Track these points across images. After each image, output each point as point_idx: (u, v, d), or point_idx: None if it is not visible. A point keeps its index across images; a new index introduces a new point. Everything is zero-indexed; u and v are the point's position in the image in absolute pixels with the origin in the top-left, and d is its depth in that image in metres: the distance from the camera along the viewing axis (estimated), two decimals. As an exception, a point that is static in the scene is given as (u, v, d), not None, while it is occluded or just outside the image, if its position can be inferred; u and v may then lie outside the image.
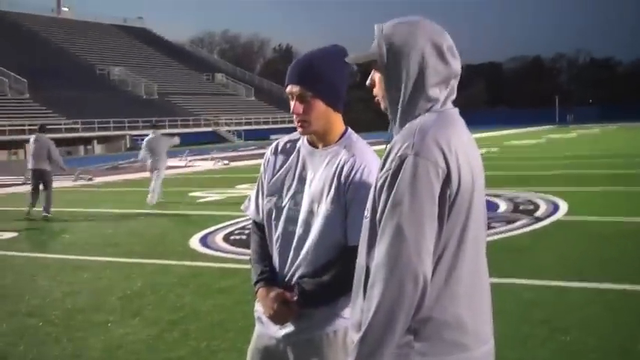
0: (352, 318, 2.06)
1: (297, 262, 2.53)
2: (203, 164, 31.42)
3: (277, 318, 2.52)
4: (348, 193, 2.45)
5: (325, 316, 2.49)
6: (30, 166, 14.81)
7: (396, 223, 1.87)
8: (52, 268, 9.02)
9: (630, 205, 12.72)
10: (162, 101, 70.70)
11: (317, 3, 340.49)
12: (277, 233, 2.60)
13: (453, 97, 2.10)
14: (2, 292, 7.77)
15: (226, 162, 31.58)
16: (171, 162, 30.59)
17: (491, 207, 12.64)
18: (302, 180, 2.58)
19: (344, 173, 2.47)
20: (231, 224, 11.94)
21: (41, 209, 14.31)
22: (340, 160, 2.50)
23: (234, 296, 7.05)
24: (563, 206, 12.45)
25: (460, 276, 1.96)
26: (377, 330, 1.88)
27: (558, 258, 8.37)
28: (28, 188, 15.62)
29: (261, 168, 2.75)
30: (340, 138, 2.58)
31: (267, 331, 2.61)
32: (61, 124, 54.57)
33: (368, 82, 2.14)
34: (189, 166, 30.48)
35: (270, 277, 2.60)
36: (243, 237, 10.35)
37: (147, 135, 17.38)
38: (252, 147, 44.99)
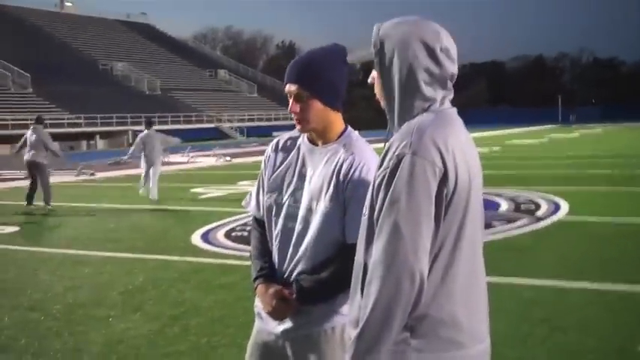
0: (350, 315, 2.09)
1: (296, 258, 2.55)
2: (205, 160, 31.46)
3: (276, 314, 2.54)
4: (346, 191, 2.47)
5: (323, 313, 2.52)
6: (27, 157, 14.91)
7: (394, 221, 1.89)
8: (54, 263, 9.04)
9: (632, 205, 12.72)
10: (165, 97, 70.74)
11: (320, 0, 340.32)
12: (277, 229, 2.62)
13: (451, 96, 2.12)
14: (4, 286, 7.80)
15: (228, 158, 31.62)
16: (174, 158, 30.75)
17: (493, 206, 12.66)
18: (302, 177, 2.60)
19: (343, 171, 2.49)
20: (232, 221, 11.96)
21: (42, 203, 14.41)
22: (339, 158, 2.52)
23: (235, 292, 7.07)
24: (564, 206, 12.46)
25: (456, 274, 1.98)
26: (374, 326, 1.90)
27: (559, 258, 8.39)
28: (27, 183, 15.67)
29: (262, 164, 2.77)
30: (340, 136, 2.60)
31: (266, 326, 2.64)
32: (63, 119, 54.68)
33: (369, 80, 2.17)
34: (191, 162, 30.53)
35: (270, 273, 2.63)
36: (245, 233, 10.36)
37: (157, 130, 17.48)
38: (255, 143, 45.00)
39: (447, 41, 2.07)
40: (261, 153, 2.80)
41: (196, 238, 10.44)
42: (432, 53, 2.03)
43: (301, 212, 2.55)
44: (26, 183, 16.07)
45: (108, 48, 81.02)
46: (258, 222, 2.76)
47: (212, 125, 67.21)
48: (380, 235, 1.92)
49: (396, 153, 1.94)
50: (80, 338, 5.78)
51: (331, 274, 2.45)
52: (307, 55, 2.64)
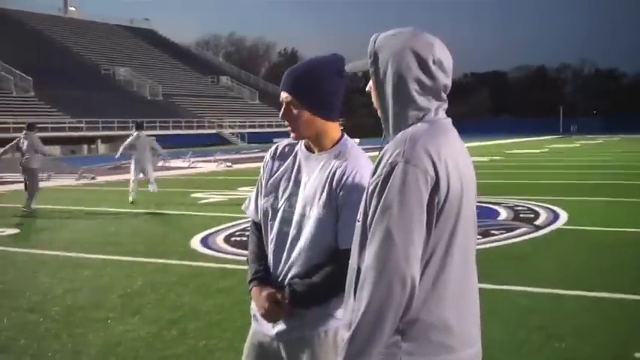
0: (344, 318, 2.12)
1: (290, 262, 2.59)
2: (206, 166, 31.50)
3: (269, 316, 2.59)
4: (339, 198, 2.50)
5: (317, 316, 2.55)
6: (21, 163, 15.23)
7: (386, 227, 1.92)
8: (53, 265, 9.07)
9: (630, 215, 12.73)
10: (166, 102, 70.84)
11: (324, 8, 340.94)
12: (272, 234, 2.66)
13: (445, 106, 2.15)
14: (4, 288, 7.83)
15: (229, 164, 31.65)
16: (174, 163, 30.78)
17: (492, 214, 12.70)
18: (297, 183, 2.64)
19: (336, 178, 2.53)
20: (232, 226, 12.00)
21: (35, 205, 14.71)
22: (333, 165, 2.56)
23: (233, 296, 7.10)
24: (563, 215, 12.49)
25: (447, 280, 2.01)
26: (365, 330, 1.93)
27: (557, 266, 8.41)
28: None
29: (261, 170, 2.81)
30: (335, 144, 2.64)
31: (262, 328, 2.68)
32: (65, 123, 54.76)
33: (367, 89, 2.21)
34: (192, 168, 30.56)
35: (264, 276, 2.67)
36: (244, 238, 10.39)
37: (147, 135, 17.55)
38: (255, 150, 45.09)
39: (440, 53, 2.09)
40: (262, 159, 2.84)
41: (196, 243, 10.47)
42: (424, 65, 2.06)
43: (295, 217, 2.59)
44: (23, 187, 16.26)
45: (110, 53, 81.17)
46: (257, 226, 2.81)
47: (213, 131, 67.28)
48: (372, 241, 1.96)
49: (389, 161, 1.97)
50: (79, 340, 5.80)
51: (323, 279, 2.49)
52: (303, 64, 2.69)
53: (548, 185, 18.85)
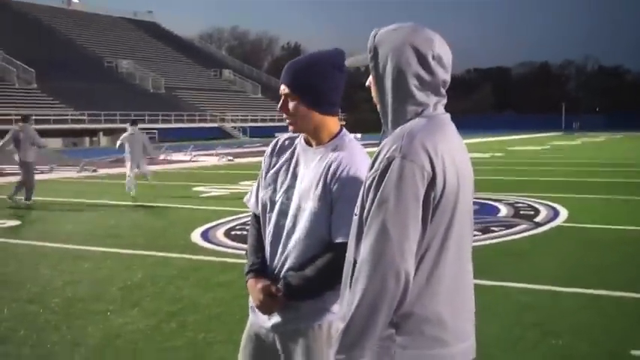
0: (340, 311, 2.14)
1: (285, 254, 2.62)
2: (207, 159, 31.51)
3: (263, 308, 2.62)
4: (333, 191, 2.53)
5: (311, 309, 2.58)
6: (18, 157, 15.29)
7: (381, 222, 1.95)
8: (54, 257, 9.11)
9: (630, 213, 12.76)
10: (169, 95, 70.80)
11: (328, 2, 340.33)
12: (270, 226, 2.69)
13: (444, 102, 2.16)
14: (4, 279, 7.87)
15: (230, 158, 31.69)
16: (176, 156, 30.80)
17: (492, 211, 12.72)
18: (295, 176, 2.67)
19: (331, 171, 2.55)
20: (232, 220, 12.03)
21: (25, 198, 14.86)
22: (329, 159, 2.58)
23: (232, 290, 7.13)
24: (564, 213, 12.51)
25: (442, 275, 2.03)
26: (359, 322, 1.96)
27: (556, 263, 8.43)
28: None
29: (262, 163, 2.84)
30: (333, 138, 2.66)
31: (258, 320, 2.71)
32: (67, 116, 54.78)
33: (367, 83, 2.23)
34: (193, 161, 30.58)
35: (261, 268, 2.70)
36: (244, 232, 10.41)
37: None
38: (257, 144, 45.05)
39: (440, 49, 2.11)
40: (263, 153, 2.88)
41: (196, 236, 10.50)
42: (423, 60, 2.08)
43: (291, 210, 2.62)
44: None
45: (113, 45, 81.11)
46: (257, 219, 2.84)
47: (215, 125, 67.26)
48: (368, 234, 1.98)
49: (387, 156, 2.00)
50: (78, 332, 5.84)
51: (317, 272, 2.51)
52: (303, 58, 2.72)
53: (549, 182, 18.85)
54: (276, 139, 2.85)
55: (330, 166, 2.56)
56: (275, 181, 2.72)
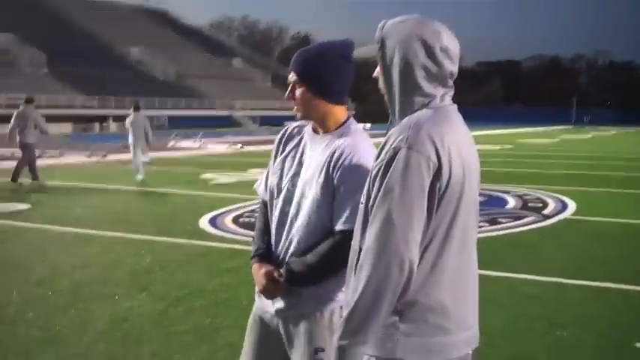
0: (346, 297, 2.16)
1: (289, 240, 2.64)
2: (217, 147, 31.57)
3: (267, 293, 2.65)
4: (336, 180, 2.54)
5: (313, 296, 2.60)
6: (19, 138, 15.33)
7: (387, 211, 1.96)
8: (63, 241, 9.17)
9: (638, 207, 12.73)
10: (178, 83, 70.92)
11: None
12: (276, 213, 2.71)
13: (451, 93, 2.17)
14: (14, 262, 7.92)
15: (240, 146, 31.73)
16: (185, 144, 30.86)
17: (500, 203, 12.72)
18: (301, 164, 2.69)
19: (334, 160, 2.56)
20: (241, 207, 12.06)
21: (32, 178, 15.05)
22: (333, 148, 2.60)
23: (239, 276, 7.15)
24: (572, 205, 12.49)
25: (446, 265, 2.05)
26: (363, 308, 1.98)
27: (563, 256, 8.43)
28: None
29: (272, 150, 2.87)
30: (339, 127, 2.67)
31: (262, 304, 2.74)
32: (77, 101, 54.91)
33: (374, 74, 2.24)
34: (202, 149, 30.65)
35: (265, 253, 2.73)
36: (252, 220, 10.45)
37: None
38: (266, 132, 45.07)
39: (447, 41, 2.11)
40: (272, 142, 2.90)
41: (204, 223, 10.53)
42: (430, 52, 2.09)
43: (296, 197, 2.64)
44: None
45: (124, 33, 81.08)
46: (265, 205, 2.86)
47: (225, 113, 67.31)
48: (373, 223, 2.00)
49: (393, 146, 2.01)
50: (86, 315, 5.88)
51: (318, 258, 2.53)
52: (312, 47, 2.75)
53: (558, 175, 18.81)
54: (286, 127, 2.88)
55: (333, 155, 2.57)
56: (282, 168, 2.74)
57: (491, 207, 12.06)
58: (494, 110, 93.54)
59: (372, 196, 2.03)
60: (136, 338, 5.33)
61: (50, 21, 71.85)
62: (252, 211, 11.36)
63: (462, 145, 2.07)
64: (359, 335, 1.99)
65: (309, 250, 2.56)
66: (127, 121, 17.18)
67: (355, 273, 2.05)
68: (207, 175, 18.08)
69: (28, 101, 15.89)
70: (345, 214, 2.47)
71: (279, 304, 2.65)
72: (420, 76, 2.09)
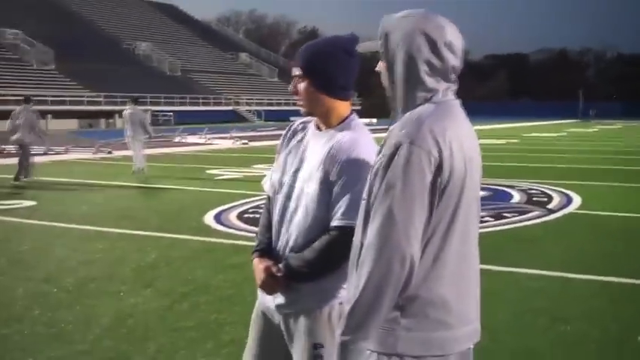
0: (348, 293, 2.17)
1: (288, 236, 2.65)
2: (222, 142, 31.59)
3: (266, 288, 2.67)
4: (333, 175, 2.54)
5: (312, 292, 2.60)
6: (16, 137, 15.45)
7: (388, 206, 1.97)
8: (68, 238, 9.20)
9: (645, 201, 12.70)
10: (184, 78, 70.91)
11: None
12: (277, 208, 2.72)
13: (454, 88, 2.17)
14: (19, 258, 7.96)
15: (245, 141, 31.75)
16: (191, 139, 30.89)
17: (505, 197, 12.71)
18: (302, 159, 2.70)
19: (331, 155, 2.57)
20: (245, 202, 12.07)
21: (24, 176, 15.06)
22: (333, 143, 2.60)
23: (244, 272, 7.15)
24: (577, 200, 12.46)
25: (447, 259, 2.06)
26: (365, 304, 1.99)
27: (567, 250, 8.43)
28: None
29: (278, 146, 2.88)
30: (341, 122, 2.68)
31: (264, 299, 2.76)
32: (84, 97, 54.98)
33: (377, 68, 2.24)
34: (207, 144, 30.67)
35: (266, 248, 2.75)
36: (257, 215, 10.43)
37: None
38: (272, 127, 45.08)
39: (451, 35, 2.11)
40: (278, 137, 2.92)
41: (209, 219, 10.55)
42: (434, 47, 2.09)
43: (296, 192, 2.65)
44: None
45: (131, 28, 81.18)
46: (270, 200, 2.87)
47: (230, 108, 67.31)
48: (374, 219, 2.01)
49: (394, 141, 2.02)
50: (91, 311, 5.91)
51: (315, 254, 2.54)
52: (317, 42, 2.75)
53: (564, 169, 18.78)
54: (291, 123, 2.88)
55: (332, 149, 2.58)
56: (285, 164, 2.75)
57: (496, 201, 12.06)
58: (500, 104, 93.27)
59: (374, 191, 2.04)
60: (141, 334, 5.35)
61: (57, 17, 71.83)
62: (257, 206, 11.36)
63: (463, 139, 2.08)
64: (361, 331, 2.00)
65: (308, 245, 2.57)
66: (125, 113, 17.23)
67: (357, 269, 2.06)
68: (212, 171, 18.09)
69: (27, 101, 15.98)
70: (342, 210, 2.47)
71: (279, 299, 2.66)
72: (423, 70, 2.09)
